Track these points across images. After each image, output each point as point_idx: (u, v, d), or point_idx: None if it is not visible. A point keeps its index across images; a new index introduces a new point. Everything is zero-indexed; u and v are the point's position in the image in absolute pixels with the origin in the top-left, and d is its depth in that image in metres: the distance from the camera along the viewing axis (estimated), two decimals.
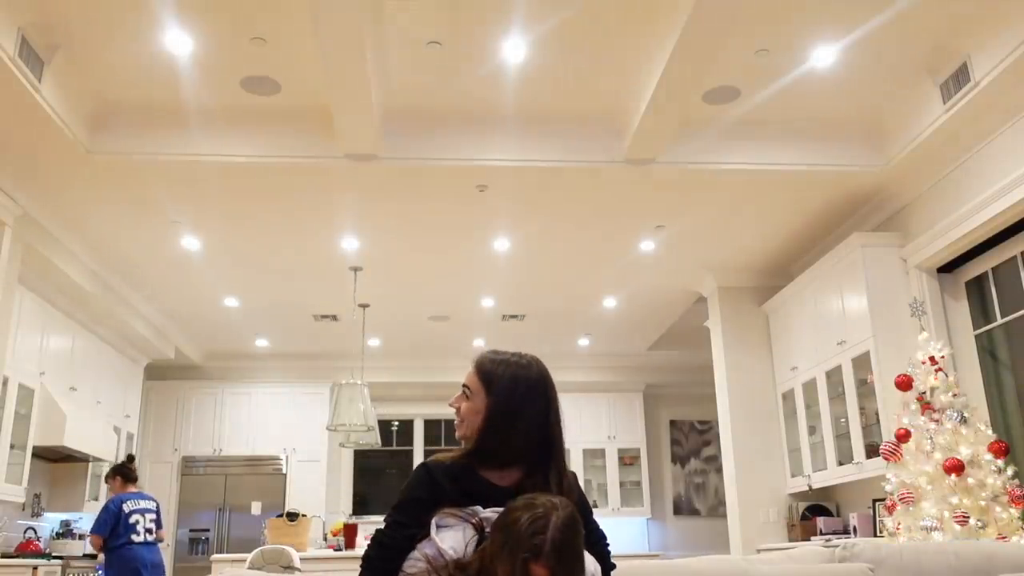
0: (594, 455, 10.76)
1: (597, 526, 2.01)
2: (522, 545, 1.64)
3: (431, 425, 11.22)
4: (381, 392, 9.56)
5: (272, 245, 6.94)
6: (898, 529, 4.59)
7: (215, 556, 6.42)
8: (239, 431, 10.23)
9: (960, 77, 4.78)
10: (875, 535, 5.70)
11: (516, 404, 1.88)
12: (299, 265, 7.41)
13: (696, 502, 11.10)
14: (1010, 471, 4.45)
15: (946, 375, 4.80)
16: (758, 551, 6.65)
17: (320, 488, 10.09)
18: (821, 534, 6.49)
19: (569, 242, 6.96)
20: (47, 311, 7.11)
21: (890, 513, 4.70)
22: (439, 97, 5.28)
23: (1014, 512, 4.33)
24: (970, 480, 4.41)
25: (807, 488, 6.79)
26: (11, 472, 6.42)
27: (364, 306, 8.17)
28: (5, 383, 6.18)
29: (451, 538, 1.76)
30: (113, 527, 5.96)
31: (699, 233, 6.82)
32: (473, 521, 1.78)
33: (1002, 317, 5.32)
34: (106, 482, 6.48)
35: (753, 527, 7.09)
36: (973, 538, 4.18)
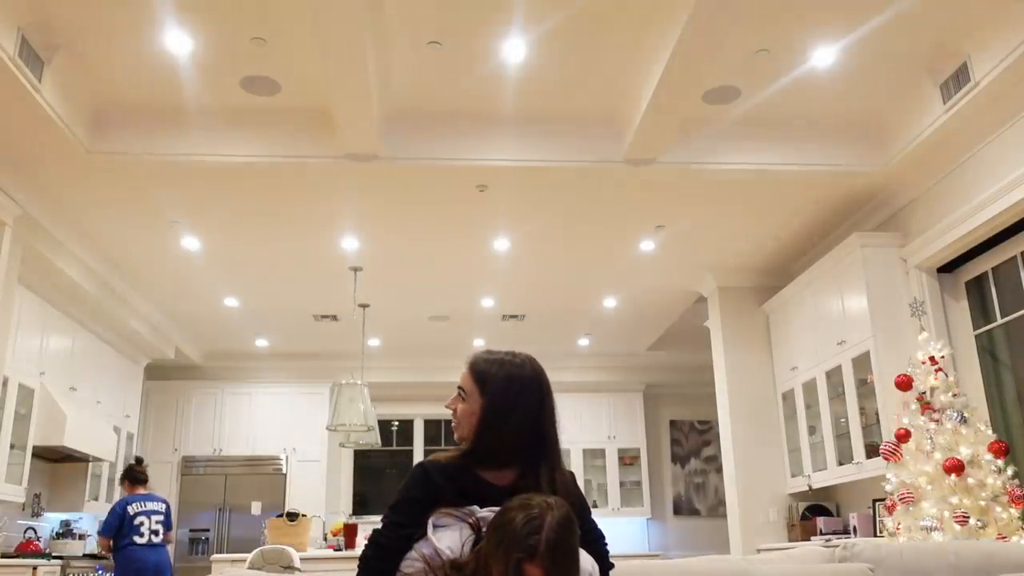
0: (594, 455, 10.76)
1: (595, 525, 2.01)
2: (517, 545, 1.63)
3: (431, 425, 11.22)
4: (381, 392, 9.56)
5: (272, 245, 6.93)
6: (898, 529, 4.59)
7: (215, 556, 6.44)
8: (239, 431, 10.23)
9: (960, 77, 4.78)
10: (875, 535, 5.70)
11: (510, 402, 1.88)
12: (299, 265, 7.41)
13: (696, 502, 11.10)
14: (1010, 471, 4.45)
15: (946, 375, 4.80)
16: (758, 551, 6.65)
17: (320, 488, 10.09)
18: (821, 534, 6.49)
19: (569, 242, 6.96)
20: (47, 311, 7.11)
21: (890, 513, 4.70)
22: (439, 97, 5.28)
23: (1014, 512, 4.33)
24: (970, 480, 4.41)
25: (807, 488, 6.79)
26: (11, 472, 6.42)
27: (364, 306, 8.17)
28: (5, 383, 6.18)
29: (448, 538, 1.76)
30: (118, 529, 6.09)
31: (699, 233, 6.82)
32: (470, 521, 1.78)
33: (1002, 317, 5.32)
34: (120, 485, 6.57)
35: (753, 527, 7.09)
36: (973, 538, 4.18)
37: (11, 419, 6.37)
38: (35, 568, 6.16)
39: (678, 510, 11.06)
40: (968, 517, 4.28)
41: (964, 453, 4.47)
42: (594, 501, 10.56)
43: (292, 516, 6.47)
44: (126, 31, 4.55)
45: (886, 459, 4.82)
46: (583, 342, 10.22)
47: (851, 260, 6.05)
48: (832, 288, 6.35)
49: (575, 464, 10.40)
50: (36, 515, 7.47)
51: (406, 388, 10.51)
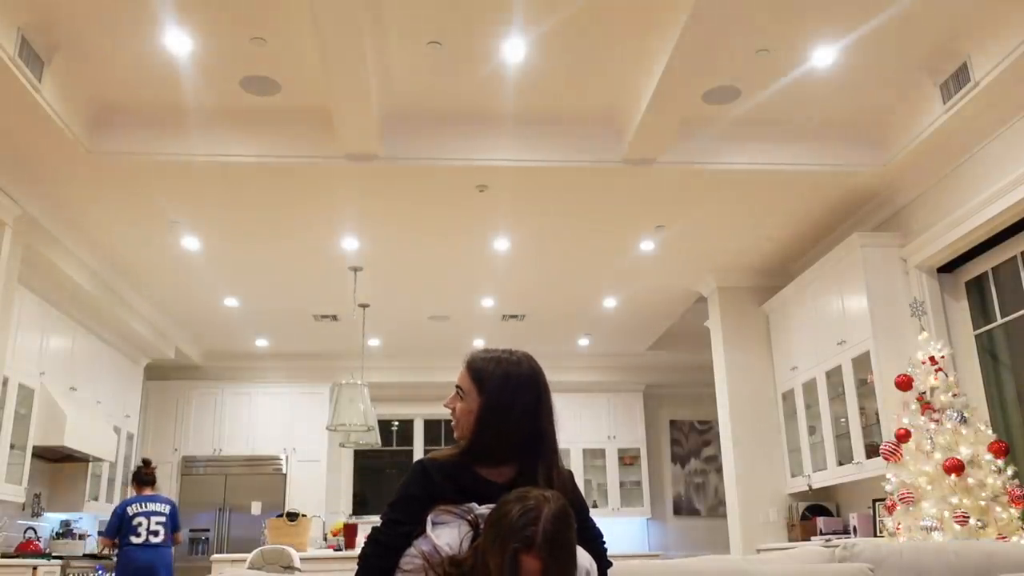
0: (594, 455, 10.76)
1: (593, 524, 2.02)
2: (513, 536, 1.63)
3: (431, 425, 11.22)
4: (381, 392, 9.56)
5: (272, 245, 6.94)
6: (898, 529, 4.59)
7: (215, 556, 6.46)
8: (239, 431, 10.23)
9: (960, 77, 4.77)
10: (875, 535, 5.70)
11: (508, 400, 1.89)
12: (299, 265, 7.41)
13: (696, 502, 11.10)
14: (1010, 471, 4.45)
15: (946, 375, 4.80)
16: (758, 551, 6.65)
17: (320, 488, 10.09)
18: (821, 534, 6.49)
19: (569, 242, 6.96)
20: (47, 311, 7.11)
21: (890, 513, 4.70)
22: (439, 97, 5.28)
23: (1014, 512, 4.33)
24: (970, 480, 4.41)
25: (807, 488, 6.79)
26: (11, 472, 6.43)
27: (364, 306, 8.16)
28: (5, 383, 6.18)
29: (447, 535, 1.77)
30: (119, 529, 6.22)
31: (699, 233, 6.82)
32: (468, 518, 1.78)
33: (1002, 317, 5.32)
34: (130, 486, 6.77)
35: (753, 527, 7.09)
36: (973, 538, 4.18)
37: (11, 419, 6.37)
38: (35, 568, 6.16)
39: (678, 510, 11.06)
40: (968, 517, 4.28)
41: (964, 453, 4.47)
42: (594, 501, 10.56)
43: (292, 516, 6.48)
44: (126, 31, 4.55)
45: (886, 459, 4.82)
46: (583, 342, 10.22)
47: (851, 260, 6.05)
48: (832, 288, 6.35)
49: (575, 464, 10.40)
50: (36, 515, 7.47)
51: (406, 388, 10.51)
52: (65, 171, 5.54)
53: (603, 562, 1.97)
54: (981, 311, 5.54)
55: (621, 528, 10.57)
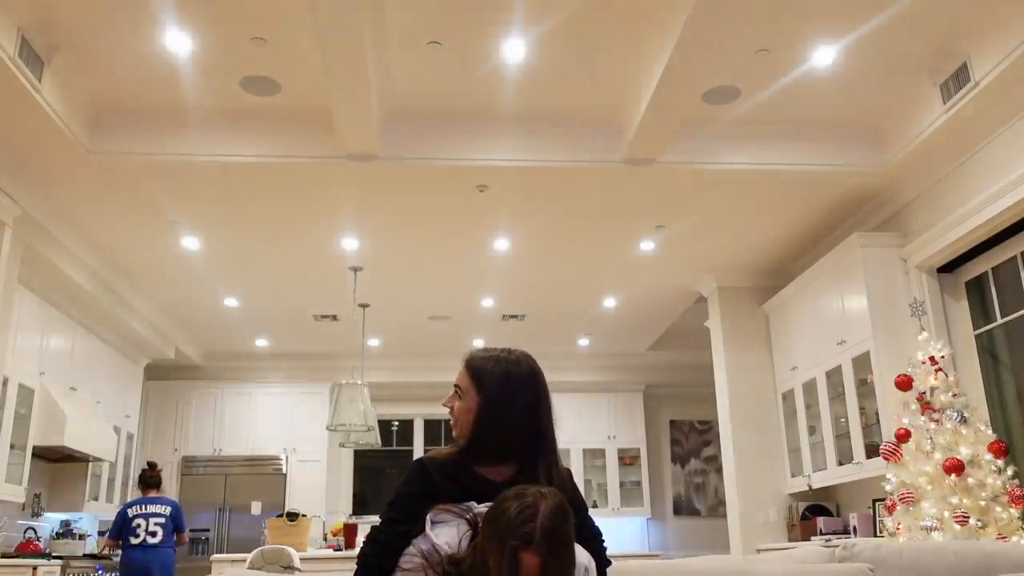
0: (594, 455, 10.76)
1: (592, 523, 2.02)
2: (512, 533, 1.63)
3: (431, 425, 11.22)
4: (381, 392, 9.56)
5: (272, 245, 6.94)
6: (898, 529, 4.59)
7: (215, 556, 6.47)
8: (239, 431, 10.23)
9: (960, 77, 4.77)
10: (875, 535, 5.70)
11: (507, 399, 1.89)
12: (299, 265, 7.41)
13: (696, 502, 11.10)
14: (1010, 471, 4.45)
15: (946, 375, 4.80)
16: (758, 551, 6.65)
17: (320, 488, 10.09)
18: (821, 534, 6.49)
19: (569, 242, 6.96)
20: (47, 311, 7.11)
21: (890, 513, 4.70)
22: (439, 97, 5.28)
23: (1014, 512, 4.33)
24: (970, 480, 4.41)
25: (807, 488, 6.79)
26: (11, 472, 6.43)
27: (364, 306, 8.16)
28: (5, 383, 6.18)
29: (446, 534, 1.77)
30: (120, 530, 6.29)
31: (699, 233, 6.82)
32: (467, 517, 1.78)
33: (1002, 317, 5.32)
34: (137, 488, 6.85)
35: (753, 527, 7.09)
36: (973, 538, 4.18)
37: (11, 419, 6.37)
38: (35, 568, 6.16)
39: (678, 510, 11.06)
40: (968, 517, 4.28)
41: (964, 453, 4.47)
42: (594, 501, 10.56)
43: (292, 516, 6.48)
44: (126, 31, 4.55)
45: (886, 459, 4.82)
46: (583, 342, 10.21)
47: (851, 260, 6.05)
48: (832, 288, 6.35)
49: (575, 464, 10.40)
50: (36, 515, 7.48)
51: (406, 388, 10.51)
52: (65, 171, 5.53)
53: (602, 560, 1.97)
54: (981, 311, 5.54)
55: (621, 528, 10.57)
